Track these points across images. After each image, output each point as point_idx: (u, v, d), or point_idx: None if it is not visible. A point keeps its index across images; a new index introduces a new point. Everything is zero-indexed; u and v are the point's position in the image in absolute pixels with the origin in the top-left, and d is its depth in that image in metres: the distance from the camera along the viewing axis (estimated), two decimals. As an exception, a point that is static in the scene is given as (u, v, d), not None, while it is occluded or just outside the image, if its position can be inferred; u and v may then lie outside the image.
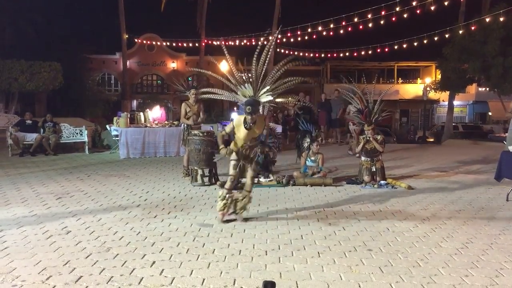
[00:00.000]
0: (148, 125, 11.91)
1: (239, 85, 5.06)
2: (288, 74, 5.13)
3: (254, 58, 4.96)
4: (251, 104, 4.84)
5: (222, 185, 7.13)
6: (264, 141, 6.02)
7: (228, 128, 5.27)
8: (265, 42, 5.17)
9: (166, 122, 12.07)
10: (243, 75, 5.05)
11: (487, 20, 16.72)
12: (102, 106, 27.39)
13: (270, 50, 4.99)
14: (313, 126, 8.23)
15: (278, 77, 5.06)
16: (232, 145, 5.15)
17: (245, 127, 4.95)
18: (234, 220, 5.12)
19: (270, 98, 5.09)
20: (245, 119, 4.94)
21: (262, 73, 4.99)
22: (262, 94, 5.03)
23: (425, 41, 18.62)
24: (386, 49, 20.35)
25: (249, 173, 5.24)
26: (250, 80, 5.01)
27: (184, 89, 8.40)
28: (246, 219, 5.14)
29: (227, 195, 5.06)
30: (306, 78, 5.26)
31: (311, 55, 25.09)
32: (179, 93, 8.61)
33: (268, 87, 5.01)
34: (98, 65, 32.13)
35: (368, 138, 7.54)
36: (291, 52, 22.37)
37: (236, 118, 5.19)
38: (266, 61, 4.95)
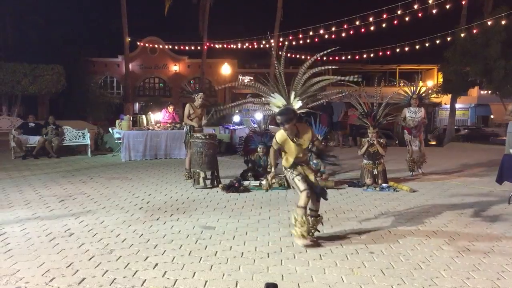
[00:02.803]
0: (151, 128, 11.96)
1: (268, 96, 4.63)
2: (289, 77, 4.68)
3: (276, 66, 4.56)
4: (280, 114, 4.37)
5: (224, 188, 7.17)
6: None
7: (274, 145, 4.58)
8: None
9: (168, 124, 12.11)
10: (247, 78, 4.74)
11: (489, 23, 16.73)
12: (104, 109, 27.43)
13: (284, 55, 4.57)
14: (323, 128, 8.18)
15: (304, 81, 4.55)
16: (284, 162, 4.61)
17: (293, 142, 4.41)
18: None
19: (300, 103, 4.54)
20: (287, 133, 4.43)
21: (283, 77, 4.53)
22: (293, 100, 4.54)
23: (427, 44, 18.62)
24: (388, 52, 20.35)
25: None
26: (278, 88, 4.57)
27: (191, 92, 8.43)
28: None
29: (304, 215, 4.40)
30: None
31: (313, 58, 25.11)
32: (186, 93, 8.64)
33: (295, 92, 4.54)
34: (100, 68, 32.23)
35: (372, 141, 7.55)
36: (293, 56, 22.42)
37: (278, 133, 4.52)
38: (282, 66, 4.58)
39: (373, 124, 7.56)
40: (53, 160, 11.05)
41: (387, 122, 8.17)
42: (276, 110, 4.56)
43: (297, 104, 4.54)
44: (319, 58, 4.76)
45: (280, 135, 4.47)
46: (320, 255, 4.08)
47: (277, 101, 4.59)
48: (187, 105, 8.21)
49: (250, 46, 22.18)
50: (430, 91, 9.47)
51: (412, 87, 9.51)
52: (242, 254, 4.08)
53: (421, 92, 9.40)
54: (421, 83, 9.25)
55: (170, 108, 13.13)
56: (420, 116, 9.00)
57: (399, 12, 15.62)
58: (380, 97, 7.80)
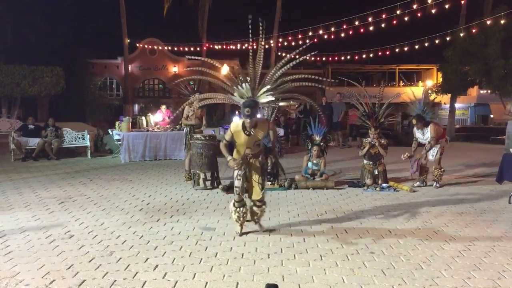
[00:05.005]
0: (150, 129, 11.97)
1: (235, 85, 4.62)
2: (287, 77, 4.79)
3: (250, 58, 4.60)
4: (249, 106, 4.38)
5: (224, 189, 7.16)
6: (270, 147, 5.43)
7: (227, 136, 4.72)
8: (262, 44, 4.78)
9: (168, 126, 12.14)
10: (240, 77, 4.69)
11: (488, 22, 16.75)
12: (104, 110, 27.42)
13: (262, 48, 4.62)
14: (322, 129, 8.18)
15: (278, 77, 4.64)
16: (234, 154, 4.71)
17: (245, 134, 4.53)
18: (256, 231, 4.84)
19: (271, 98, 4.63)
20: (243, 123, 4.51)
21: (259, 72, 4.59)
22: (261, 94, 4.60)
23: (426, 44, 18.63)
24: (388, 52, 20.36)
25: (255, 189, 4.70)
26: (248, 80, 4.59)
27: (188, 92, 8.44)
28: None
29: (238, 208, 4.71)
30: (307, 76, 4.78)
31: (312, 58, 25.15)
32: (183, 96, 8.66)
33: (268, 87, 4.58)
34: (100, 69, 32.19)
35: (373, 143, 7.54)
36: (292, 56, 22.40)
37: (233, 123, 4.73)
38: (261, 60, 4.61)
39: (375, 125, 7.54)
40: (53, 162, 11.04)
41: (388, 122, 8.14)
42: (239, 100, 4.58)
43: (264, 99, 4.61)
44: (296, 56, 4.79)
45: (235, 126, 4.61)
46: (320, 255, 4.07)
47: (243, 92, 4.59)
48: (186, 106, 8.20)
49: (250, 47, 22.17)
50: (430, 91, 8.32)
51: (415, 98, 8.16)
52: (243, 255, 4.07)
53: (424, 109, 7.75)
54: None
55: (163, 108, 13.52)
56: (429, 137, 7.42)
57: (398, 12, 15.64)
58: (381, 97, 7.78)
